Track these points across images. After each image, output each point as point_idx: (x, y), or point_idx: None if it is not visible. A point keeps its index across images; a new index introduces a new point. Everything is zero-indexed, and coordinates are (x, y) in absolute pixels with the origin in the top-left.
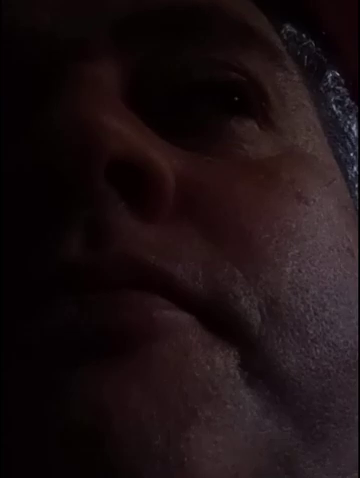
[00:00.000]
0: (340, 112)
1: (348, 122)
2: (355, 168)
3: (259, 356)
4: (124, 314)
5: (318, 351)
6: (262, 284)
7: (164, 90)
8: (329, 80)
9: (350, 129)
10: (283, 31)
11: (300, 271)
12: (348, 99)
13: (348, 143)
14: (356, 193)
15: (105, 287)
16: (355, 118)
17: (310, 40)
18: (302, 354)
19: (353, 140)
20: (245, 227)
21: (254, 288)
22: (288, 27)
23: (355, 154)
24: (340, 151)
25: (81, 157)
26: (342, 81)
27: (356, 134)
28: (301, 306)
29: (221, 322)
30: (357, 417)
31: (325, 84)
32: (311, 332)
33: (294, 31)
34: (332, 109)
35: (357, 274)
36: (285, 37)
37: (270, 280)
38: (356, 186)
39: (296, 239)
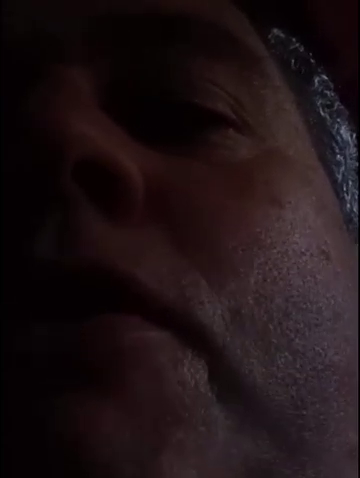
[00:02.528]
0: (327, 115)
1: (336, 125)
2: (342, 169)
3: (226, 366)
4: (96, 342)
5: (283, 360)
6: (226, 293)
7: (138, 96)
8: (316, 84)
9: (338, 132)
10: (271, 35)
11: (265, 280)
12: (337, 103)
13: (335, 145)
14: (344, 194)
15: (74, 304)
16: (344, 121)
17: (298, 44)
18: (266, 363)
19: (340, 143)
20: (212, 234)
21: (218, 296)
22: (276, 31)
23: (343, 156)
24: (327, 153)
25: (48, 158)
26: (330, 85)
27: (345, 137)
28: (264, 316)
29: (187, 329)
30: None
31: (312, 88)
32: (275, 341)
33: (282, 35)
34: (319, 112)
35: (332, 278)
36: (272, 41)
37: (234, 290)
38: (344, 189)
39: (264, 246)
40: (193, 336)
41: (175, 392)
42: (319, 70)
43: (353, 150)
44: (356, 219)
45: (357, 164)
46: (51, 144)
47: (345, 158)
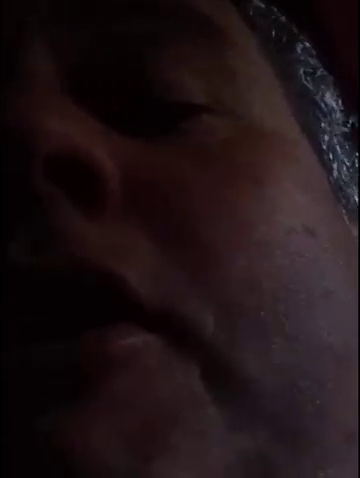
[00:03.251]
0: (310, 83)
1: (319, 92)
2: (327, 137)
3: (218, 362)
4: (82, 354)
5: (277, 346)
6: (211, 285)
7: (108, 83)
8: (299, 51)
9: (322, 99)
10: (250, 6)
11: (251, 265)
12: (320, 70)
13: (319, 113)
14: (331, 163)
15: (60, 312)
16: (328, 87)
17: (279, 13)
18: (261, 352)
19: (325, 109)
20: (191, 223)
21: (202, 290)
22: (256, 2)
23: (328, 123)
24: (310, 122)
25: (19, 156)
26: (313, 52)
27: (329, 103)
28: (255, 302)
29: (174, 330)
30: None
31: (294, 56)
32: (267, 327)
33: (261, 5)
34: (301, 81)
35: (319, 255)
36: (251, 12)
37: (219, 279)
38: (331, 156)
39: (247, 230)
40: (181, 336)
41: (167, 395)
42: (301, 38)
43: (339, 115)
44: (346, 187)
45: (344, 129)
46: (18, 142)
47: (331, 125)
